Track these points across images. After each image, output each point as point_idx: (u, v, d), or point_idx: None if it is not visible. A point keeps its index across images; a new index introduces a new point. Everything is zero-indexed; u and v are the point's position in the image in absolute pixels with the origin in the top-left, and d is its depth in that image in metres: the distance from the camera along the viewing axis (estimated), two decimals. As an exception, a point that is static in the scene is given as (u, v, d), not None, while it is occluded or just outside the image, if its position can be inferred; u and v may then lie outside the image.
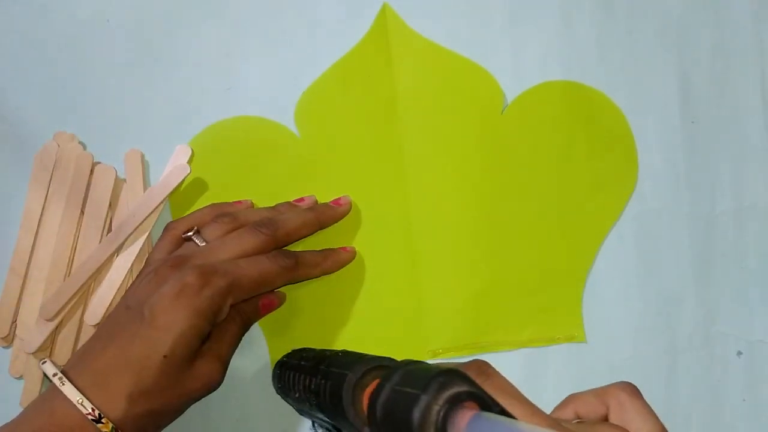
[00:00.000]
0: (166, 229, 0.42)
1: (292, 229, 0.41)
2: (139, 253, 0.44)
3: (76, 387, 0.34)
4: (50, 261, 0.44)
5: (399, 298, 0.45)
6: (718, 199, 0.46)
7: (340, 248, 0.44)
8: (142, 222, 0.44)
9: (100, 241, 0.44)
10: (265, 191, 0.45)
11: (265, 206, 0.44)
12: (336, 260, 0.44)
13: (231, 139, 0.47)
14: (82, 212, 0.44)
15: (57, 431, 0.34)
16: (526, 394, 0.43)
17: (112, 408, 0.34)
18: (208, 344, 0.38)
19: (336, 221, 0.44)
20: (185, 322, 0.35)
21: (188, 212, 0.45)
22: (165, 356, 0.35)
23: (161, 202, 0.44)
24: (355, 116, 0.46)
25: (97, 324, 0.43)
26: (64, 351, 0.43)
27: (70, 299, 0.43)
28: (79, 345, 0.43)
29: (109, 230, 0.44)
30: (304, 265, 0.41)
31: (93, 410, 0.34)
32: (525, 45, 0.47)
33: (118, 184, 0.45)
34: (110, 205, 0.45)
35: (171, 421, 0.37)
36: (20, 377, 0.44)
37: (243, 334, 0.40)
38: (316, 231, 0.43)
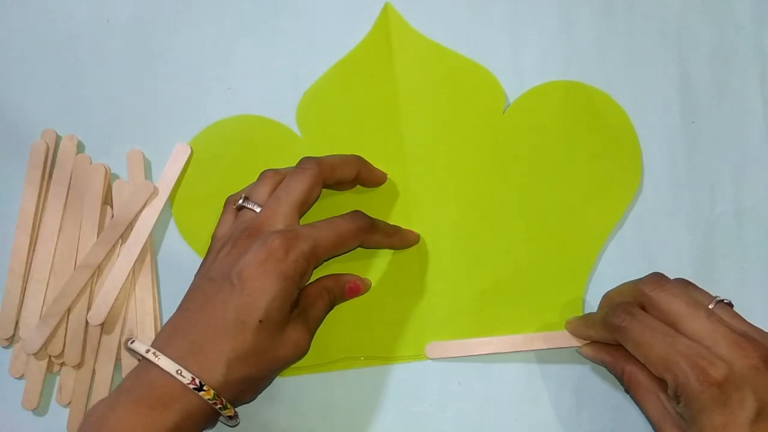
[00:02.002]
0: (226, 203, 0.42)
1: (335, 163, 0.42)
2: (140, 252, 0.44)
3: (171, 359, 0.35)
4: (51, 261, 0.44)
5: (400, 297, 0.45)
6: (718, 199, 0.46)
7: (407, 230, 0.44)
8: (137, 216, 0.44)
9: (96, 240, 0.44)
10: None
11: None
12: (403, 238, 0.44)
13: (231, 139, 0.47)
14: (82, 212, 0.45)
15: (158, 401, 0.34)
16: (525, 395, 0.44)
17: (210, 375, 0.35)
18: (296, 312, 0.39)
19: (373, 178, 0.44)
20: (276, 286, 0.36)
21: (188, 212, 0.46)
22: (260, 321, 0.36)
23: (153, 196, 0.44)
24: (356, 116, 0.46)
25: (101, 323, 0.43)
26: (73, 352, 0.43)
27: (74, 301, 0.43)
28: (88, 345, 0.43)
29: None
30: (378, 231, 0.42)
31: (193, 379, 0.34)
32: (525, 45, 0.47)
33: (118, 183, 0.45)
34: (111, 204, 0.45)
35: (264, 387, 0.39)
36: (21, 377, 0.44)
37: (327, 312, 0.42)
38: (355, 174, 0.43)
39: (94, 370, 0.43)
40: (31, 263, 0.44)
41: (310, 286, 0.41)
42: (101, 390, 0.43)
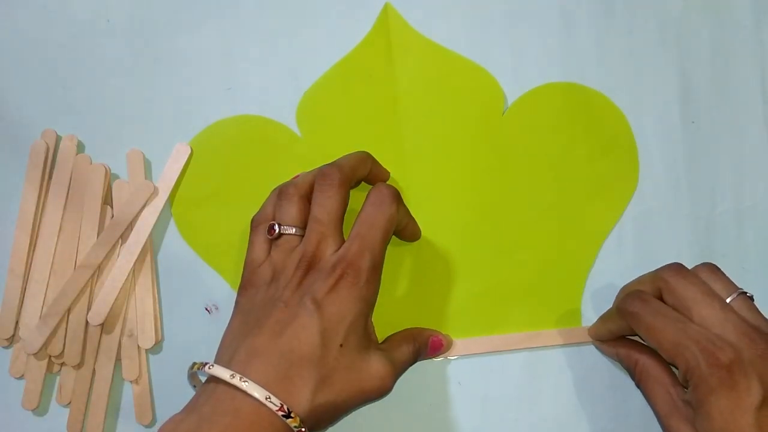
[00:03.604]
0: (254, 226, 0.41)
1: (354, 164, 0.41)
2: (140, 252, 0.44)
3: (258, 384, 0.33)
4: (51, 261, 0.44)
5: (399, 297, 0.45)
6: (718, 199, 0.46)
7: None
8: (137, 216, 0.44)
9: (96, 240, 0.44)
10: (266, 191, 0.45)
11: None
12: (416, 228, 0.44)
13: (232, 139, 0.47)
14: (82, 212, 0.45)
15: (248, 430, 0.33)
16: (525, 395, 0.44)
17: (297, 401, 0.34)
18: (383, 346, 0.39)
19: (381, 175, 0.44)
20: (353, 309, 0.36)
21: (188, 212, 0.46)
22: (341, 345, 0.35)
23: (153, 195, 0.44)
24: (356, 116, 0.46)
25: (102, 323, 0.43)
26: (73, 352, 0.43)
27: (74, 300, 0.43)
28: (88, 345, 0.43)
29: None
30: (402, 203, 0.41)
31: (282, 405, 0.33)
32: (525, 45, 0.47)
33: (118, 183, 0.45)
34: (111, 204, 0.45)
35: (342, 417, 0.38)
36: (21, 377, 0.44)
37: (413, 360, 0.42)
38: (368, 172, 0.43)
39: (94, 370, 0.43)
40: (31, 263, 0.44)
41: (397, 333, 0.42)
42: (101, 390, 0.43)
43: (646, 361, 0.39)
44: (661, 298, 0.38)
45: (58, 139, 0.46)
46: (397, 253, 0.45)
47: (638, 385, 0.40)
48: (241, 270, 0.41)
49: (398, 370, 0.39)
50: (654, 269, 0.40)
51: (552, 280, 0.45)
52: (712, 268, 0.39)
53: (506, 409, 0.44)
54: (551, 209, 0.46)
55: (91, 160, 0.45)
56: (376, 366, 0.37)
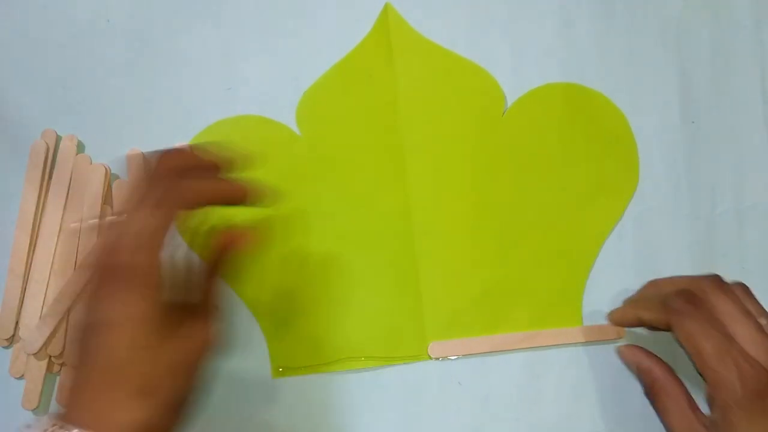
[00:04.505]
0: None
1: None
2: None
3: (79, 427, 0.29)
4: (51, 262, 0.44)
5: (400, 297, 0.45)
6: (718, 199, 0.46)
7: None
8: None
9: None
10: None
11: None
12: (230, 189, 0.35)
13: (232, 138, 0.47)
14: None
15: None
16: (526, 395, 0.44)
17: (122, 425, 0.30)
18: (189, 311, 0.34)
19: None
20: (141, 304, 0.31)
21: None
22: (143, 347, 0.31)
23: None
24: (356, 116, 0.46)
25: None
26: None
27: (74, 301, 0.43)
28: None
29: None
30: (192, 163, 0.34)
31: None
32: (525, 46, 0.47)
33: (118, 183, 0.45)
34: (111, 204, 0.45)
35: (195, 400, 0.34)
36: (21, 377, 0.44)
37: (217, 278, 0.36)
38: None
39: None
40: (31, 263, 0.44)
41: (203, 275, 0.36)
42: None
43: (665, 381, 0.39)
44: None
45: (58, 139, 0.46)
46: (396, 254, 0.45)
47: (651, 399, 0.39)
48: (242, 270, 0.40)
49: (214, 313, 0.35)
50: (689, 275, 0.40)
51: (552, 280, 0.45)
52: (745, 289, 0.39)
53: (506, 409, 0.44)
54: (551, 209, 0.46)
55: (91, 160, 0.45)
56: (189, 331, 0.33)
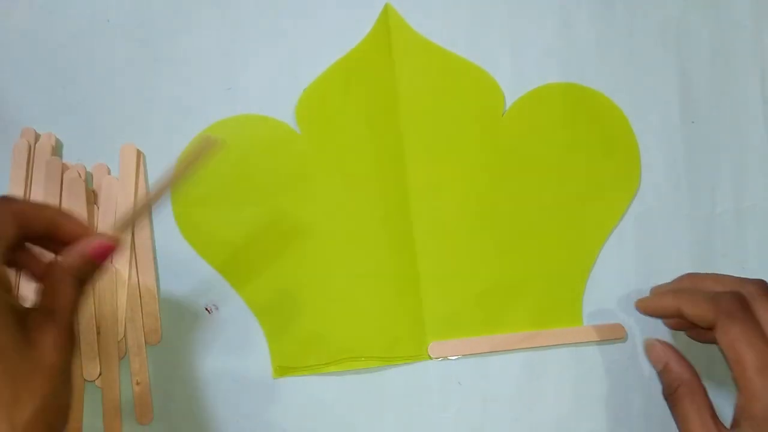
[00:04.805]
0: None
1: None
2: (141, 252, 0.44)
3: None
4: None
5: (400, 297, 0.45)
6: (718, 199, 0.46)
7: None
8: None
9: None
10: (267, 189, 0.45)
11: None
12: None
13: (232, 138, 0.46)
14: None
15: None
16: (525, 395, 0.44)
17: None
18: (35, 313, 0.31)
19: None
20: None
21: (189, 211, 0.45)
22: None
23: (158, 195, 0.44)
24: (356, 115, 0.46)
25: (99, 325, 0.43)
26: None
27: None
28: (87, 346, 0.43)
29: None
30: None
31: None
32: (525, 46, 0.47)
33: (108, 180, 0.45)
34: (96, 203, 0.45)
35: (65, 407, 0.31)
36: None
37: (82, 292, 0.33)
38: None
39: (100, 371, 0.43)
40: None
41: (45, 275, 0.33)
42: (103, 390, 0.43)
43: (692, 386, 0.37)
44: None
45: (38, 137, 0.46)
46: (396, 254, 0.45)
47: (670, 402, 0.38)
48: (242, 269, 0.41)
49: (68, 322, 0.31)
50: (733, 276, 0.38)
51: (552, 280, 0.45)
52: None
53: (506, 409, 0.44)
54: (552, 209, 0.46)
55: (62, 159, 0.45)
56: (42, 343, 0.30)
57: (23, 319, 0.30)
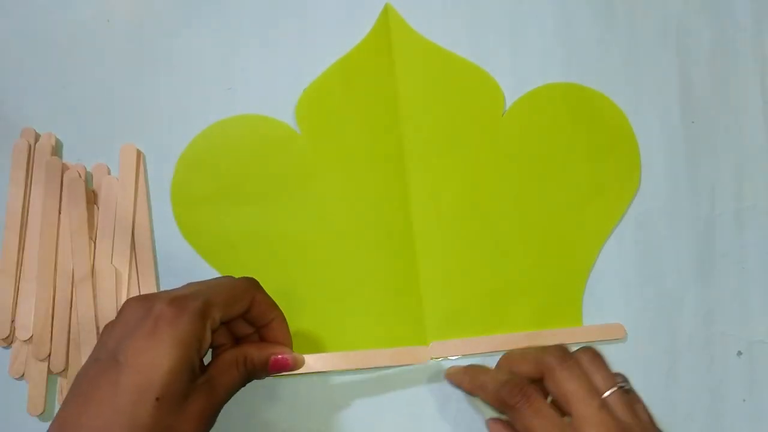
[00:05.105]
0: None
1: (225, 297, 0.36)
2: (141, 252, 0.44)
3: None
4: (36, 261, 0.44)
5: (400, 296, 0.45)
6: (718, 199, 0.46)
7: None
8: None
9: (88, 241, 0.44)
10: (267, 189, 0.45)
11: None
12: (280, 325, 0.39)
13: (232, 138, 0.47)
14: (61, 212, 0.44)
15: None
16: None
17: None
18: (203, 380, 0.34)
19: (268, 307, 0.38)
20: (172, 355, 0.31)
21: (189, 211, 0.45)
22: (157, 399, 0.31)
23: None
24: (356, 115, 0.46)
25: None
26: (68, 357, 0.43)
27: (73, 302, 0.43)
28: (88, 346, 0.43)
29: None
30: (264, 291, 0.38)
31: None
32: (525, 47, 0.47)
33: (108, 180, 0.45)
34: (96, 203, 0.45)
35: None
36: (21, 377, 0.44)
37: (242, 384, 0.36)
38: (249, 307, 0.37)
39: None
40: (21, 263, 0.44)
41: (227, 351, 0.36)
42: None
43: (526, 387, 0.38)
44: (542, 381, 0.38)
45: (38, 137, 0.46)
46: (396, 254, 0.45)
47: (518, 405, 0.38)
48: (242, 269, 0.41)
49: (220, 401, 0.34)
50: (539, 347, 0.39)
51: (552, 280, 0.45)
52: (593, 355, 0.38)
53: (506, 409, 0.44)
54: (552, 209, 0.46)
55: (62, 160, 0.45)
56: (194, 408, 0.32)
57: (194, 379, 0.33)
